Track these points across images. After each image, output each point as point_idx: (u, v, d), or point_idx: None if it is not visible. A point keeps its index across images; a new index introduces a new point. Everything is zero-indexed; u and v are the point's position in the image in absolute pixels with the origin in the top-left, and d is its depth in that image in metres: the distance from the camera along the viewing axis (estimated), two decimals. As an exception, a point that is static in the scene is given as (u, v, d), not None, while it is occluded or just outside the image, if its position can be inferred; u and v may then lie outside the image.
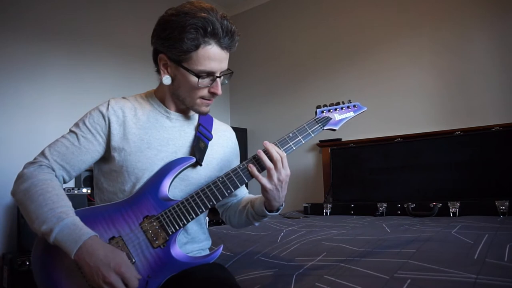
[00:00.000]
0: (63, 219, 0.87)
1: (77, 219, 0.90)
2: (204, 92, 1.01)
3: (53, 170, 0.99)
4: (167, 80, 1.01)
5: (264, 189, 0.98)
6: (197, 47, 0.94)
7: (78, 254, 0.84)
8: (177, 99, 1.06)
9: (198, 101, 1.03)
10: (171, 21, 0.95)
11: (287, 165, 0.98)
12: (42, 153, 1.00)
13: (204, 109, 1.05)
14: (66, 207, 0.91)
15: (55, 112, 2.75)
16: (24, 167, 0.98)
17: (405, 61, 2.98)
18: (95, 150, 1.02)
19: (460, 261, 1.04)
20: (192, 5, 0.96)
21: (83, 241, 0.85)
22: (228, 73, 1.04)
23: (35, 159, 1.00)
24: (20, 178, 0.96)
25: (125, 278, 0.84)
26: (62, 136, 1.03)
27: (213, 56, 0.96)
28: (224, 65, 1.00)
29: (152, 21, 1.04)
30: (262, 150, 0.99)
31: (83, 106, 2.80)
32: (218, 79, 1.00)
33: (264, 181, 0.97)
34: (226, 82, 1.07)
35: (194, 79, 0.98)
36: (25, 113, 2.61)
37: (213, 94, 1.02)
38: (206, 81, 0.99)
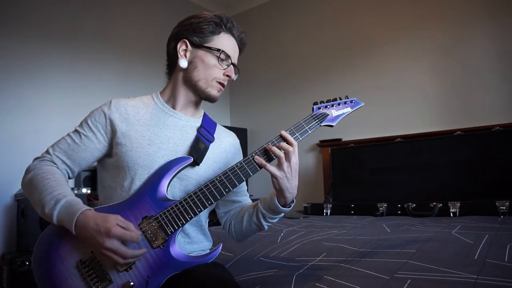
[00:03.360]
0: (59, 201, 0.91)
1: (73, 198, 0.94)
2: (220, 74, 1.09)
3: (55, 164, 1.04)
4: (184, 63, 1.08)
5: (274, 177, 0.98)
6: (219, 32, 1.09)
7: (77, 232, 0.89)
8: (189, 86, 1.11)
9: (213, 82, 1.09)
10: (196, 14, 1.11)
11: (297, 153, 0.99)
12: (47, 150, 1.07)
13: (215, 93, 1.11)
14: (63, 189, 0.95)
15: (55, 113, 2.75)
16: (30, 164, 1.05)
17: (405, 61, 2.98)
18: (95, 148, 1.06)
19: (460, 261, 1.04)
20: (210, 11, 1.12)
21: (75, 219, 0.89)
22: (238, 70, 1.15)
23: (41, 154, 1.06)
24: (26, 171, 1.03)
25: (119, 238, 0.87)
26: (67, 134, 1.08)
27: (230, 44, 1.10)
28: (236, 58, 1.13)
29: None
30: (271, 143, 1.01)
31: (83, 106, 2.80)
32: (232, 66, 1.11)
33: (273, 168, 0.97)
34: (235, 78, 1.14)
35: (214, 57, 1.07)
36: (25, 113, 2.61)
37: (227, 77, 1.10)
38: (223, 63, 1.09)
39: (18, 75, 2.60)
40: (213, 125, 1.19)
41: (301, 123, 1.05)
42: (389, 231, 1.61)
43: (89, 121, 1.06)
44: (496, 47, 2.60)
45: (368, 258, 1.16)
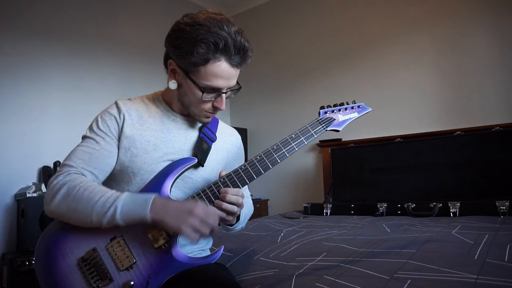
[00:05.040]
0: (118, 197, 0.89)
1: (131, 193, 0.93)
2: (208, 106, 1.02)
3: (83, 175, 0.96)
4: (173, 85, 1.02)
5: (223, 221, 0.99)
6: (206, 61, 0.93)
7: (153, 213, 0.87)
8: (182, 105, 1.07)
9: (201, 112, 1.04)
10: (184, 31, 0.93)
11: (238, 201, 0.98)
12: (65, 164, 0.97)
13: (205, 120, 1.06)
14: (113, 191, 0.92)
15: (54, 112, 2.75)
16: (50, 182, 0.94)
17: (405, 61, 2.98)
18: (116, 152, 1.02)
19: (460, 261, 1.04)
20: (207, 15, 0.94)
21: (152, 200, 0.89)
22: (235, 89, 1.04)
23: (58, 171, 0.96)
24: (51, 191, 0.92)
25: (205, 211, 0.89)
26: (78, 145, 1.01)
27: (221, 73, 0.95)
28: (232, 82, 1.00)
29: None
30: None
31: (83, 107, 2.83)
32: (223, 94, 1.00)
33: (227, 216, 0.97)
34: (233, 96, 1.06)
35: (199, 92, 0.97)
36: (24, 113, 2.60)
37: (216, 109, 1.03)
38: (211, 95, 0.99)
39: (18, 76, 2.60)
40: (215, 123, 1.18)
41: (307, 127, 1.05)
42: (389, 231, 1.61)
43: (101, 126, 1.02)
44: (496, 47, 2.60)
45: (368, 258, 1.16)
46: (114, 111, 1.04)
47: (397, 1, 3.05)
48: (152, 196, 0.90)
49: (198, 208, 0.88)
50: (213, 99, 1.00)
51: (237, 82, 1.03)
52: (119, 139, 1.03)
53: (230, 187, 0.98)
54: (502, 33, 2.58)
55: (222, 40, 0.91)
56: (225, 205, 0.95)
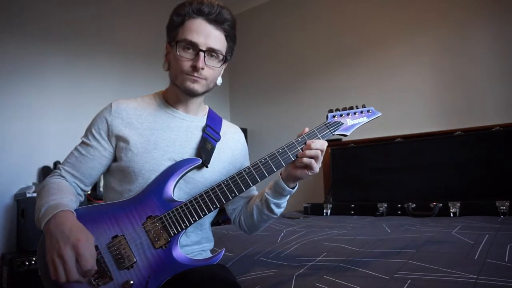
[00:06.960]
0: (51, 201, 0.91)
1: (64, 202, 0.92)
2: (187, 66, 1.00)
3: (63, 178, 1.04)
4: (165, 66, 1.07)
5: (311, 170, 1.02)
6: (183, 21, 1.01)
7: (47, 224, 0.86)
8: (174, 86, 1.07)
9: (182, 76, 1.02)
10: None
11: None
12: (58, 167, 1.07)
13: (189, 84, 1.02)
14: (60, 196, 0.94)
15: (54, 112, 2.75)
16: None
17: (405, 60, 2.98)
18: (102, 156, 1.05)
19: (460, 261, 1.04)
20: None
21: (55, 212, 0.87)
22: (219, 53, 1.03)
23: (52, 172, 1.08)
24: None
25: (78, 254, 0.81)
26: (74, 148, 1.07)
27: (196, 28, 1.00)
28: (211, 42, 1.00)
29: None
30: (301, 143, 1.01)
31: (83, 107, 2.83)
32: (201, 53, 0.99)
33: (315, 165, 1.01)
34: (217, 66, 1.04)
35: (179, 49, 1.01)
36: (24, 113, 2.60)
37: (194, 68, 1.00)
38: (189, 53, 1.01)
39: (18, 77, 2.60)
40: (219, 122, 1.18)
41: (314, 131, 1.03)
42: (389, 231, 1.61)
43: (92, 130, 1.05)
44: (497, 46, 2.60)
45: (368, 258, 1.16)
46: (107, 113, 1.05)
47: (397, 2, 3.05)
48: (58, 210, 0.87)
49: (83, 245, 0.81)
50: (192, 57, 1.00)
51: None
52: (115, 142, 1.04)
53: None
54: (502, 33, 2.58)
55: (193, 4, 1.01)
56: (308, 152, 0.98)
